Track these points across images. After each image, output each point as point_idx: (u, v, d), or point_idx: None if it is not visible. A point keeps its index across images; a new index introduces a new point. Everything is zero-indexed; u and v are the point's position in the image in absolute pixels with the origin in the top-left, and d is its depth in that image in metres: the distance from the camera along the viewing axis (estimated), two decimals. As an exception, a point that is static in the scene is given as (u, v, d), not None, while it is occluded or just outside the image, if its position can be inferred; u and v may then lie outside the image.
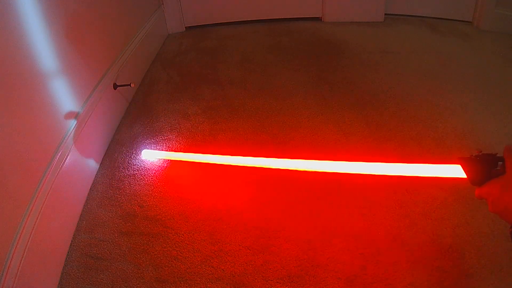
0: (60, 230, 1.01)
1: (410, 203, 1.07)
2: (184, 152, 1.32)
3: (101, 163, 1.31)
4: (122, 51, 1.62)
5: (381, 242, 0.97)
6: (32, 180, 0.92)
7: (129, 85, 1.48)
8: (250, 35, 2.28)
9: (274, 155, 1.05)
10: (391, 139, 1.33)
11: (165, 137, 1.42)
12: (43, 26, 1.03)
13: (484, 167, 0.54)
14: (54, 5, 1.10)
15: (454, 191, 1.09)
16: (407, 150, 1.27)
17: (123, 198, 1.16)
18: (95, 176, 1.25)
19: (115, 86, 1.47)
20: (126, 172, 1.26)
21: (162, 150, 1.36)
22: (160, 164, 1.28)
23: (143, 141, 1.40)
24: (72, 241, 1.03)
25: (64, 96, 1.12)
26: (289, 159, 0.97)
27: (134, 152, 1.35)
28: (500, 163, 0.53)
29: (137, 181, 1.22)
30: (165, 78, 1.85)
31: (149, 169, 1.27)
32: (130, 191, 1.18)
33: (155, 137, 1.42)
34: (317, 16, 2.43)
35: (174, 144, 1.38)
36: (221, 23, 2.45)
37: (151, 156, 1.31)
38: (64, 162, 1.05)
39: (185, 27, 2.43)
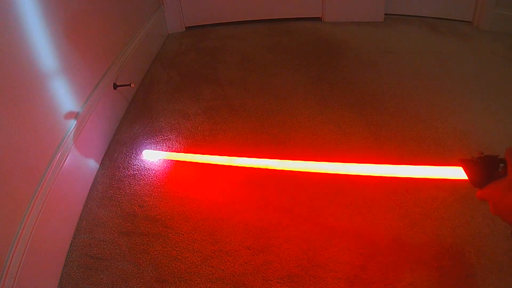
0: (60, 230, 1.01)
1: (410, 203, 1.07)
2: (184, 152, 1.32)
3: (101, 163, 1.31)
4: (122, 51, 1.62)
5: (381, 242, 0.97)
6: (32, 180, 0.92)
7: (129, 85, 1.48)
8: (250, 35, 2.28)
9: (274, 155, 1.05)
10: (391, 139, 1.33)
11: (165, 137, 1.42)
12: (43, 26, 1.03)
13: (486, 169, 0.54)
14: (54, 5, 1.10)
15: (454, 191, 1.08)
16: (407, 150, 1.27)
17: (123, 198, 1.16)
18: (95, 176, 1.25)
19: (115, 86, 1.47)
20: (126, 172, 1.26)
21: (162, 150, 1.36)
22: (160, 164, 1.29)
23: (143, 141, 1.40)
24: (72, 241, 1.03)
25: (64, 96, 1.12)
26: (289, 160, 0.97)
27: (134, 152, 1.35)
28: (501, 165, 0.53)
29: (137, 181, 1.22)
30: (165, 78, 1.85)
31: (149, 169, 1.27)
32: (130, 191, 1.19)
33: (155, 137, 1.42)
34: (317, 16, 2.43)
35: (174, 144, 1.38)
36: (221, 23, 2.45)
37: (152, 156, 1.31)
38: (64, 162, 1.05)
39: (185, 27, 2.43)
